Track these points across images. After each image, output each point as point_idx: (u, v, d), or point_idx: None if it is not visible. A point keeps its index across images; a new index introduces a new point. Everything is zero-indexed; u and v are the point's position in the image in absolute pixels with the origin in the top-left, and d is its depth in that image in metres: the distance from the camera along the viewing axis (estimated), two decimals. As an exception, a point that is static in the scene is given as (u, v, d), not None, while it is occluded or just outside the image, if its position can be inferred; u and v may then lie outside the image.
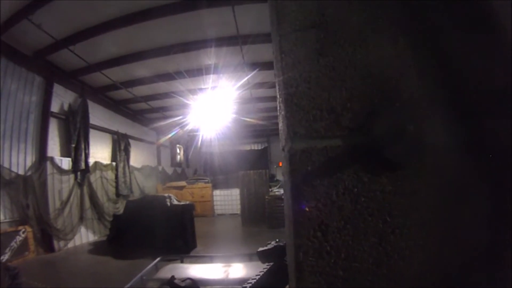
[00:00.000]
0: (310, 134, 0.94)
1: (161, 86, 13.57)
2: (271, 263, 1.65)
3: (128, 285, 3.63)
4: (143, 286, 3.81)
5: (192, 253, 9.09)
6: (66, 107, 12.17)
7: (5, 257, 8.52)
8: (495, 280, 0.86)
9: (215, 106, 14.62)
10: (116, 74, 12.18)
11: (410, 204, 0.89)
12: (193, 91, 13.87)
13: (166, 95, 14.58)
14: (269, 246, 1.68)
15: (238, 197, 16.56)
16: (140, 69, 11.87)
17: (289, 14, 1.01)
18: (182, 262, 4.68)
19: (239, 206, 16.40)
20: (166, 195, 11.07)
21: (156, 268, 4.22)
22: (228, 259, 4.45)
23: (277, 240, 1.65)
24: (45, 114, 10.98)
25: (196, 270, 3.92)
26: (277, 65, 1.02)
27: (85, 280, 7.84)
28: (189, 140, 24.55)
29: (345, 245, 0.89)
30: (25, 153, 10.16)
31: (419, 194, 0.89)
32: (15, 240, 9.04)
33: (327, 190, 0.90)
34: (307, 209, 0.91)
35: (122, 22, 8.89)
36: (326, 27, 0.98)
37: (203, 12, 8.52)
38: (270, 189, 15.50)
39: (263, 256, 1.70)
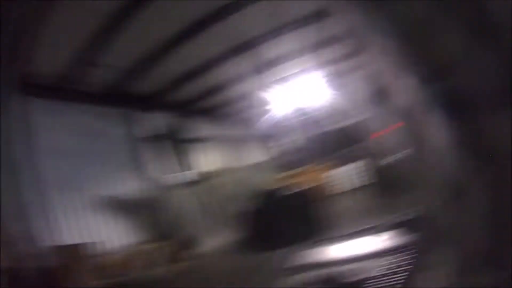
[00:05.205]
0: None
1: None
2: None
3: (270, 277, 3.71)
4: (283, 275, 3.88)
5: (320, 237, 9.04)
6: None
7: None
8: (495, 280, 0.97)
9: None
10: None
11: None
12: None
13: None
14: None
15: (358, 170, 15.55)
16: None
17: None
18: (313, 247, 4.67)
19: (359, 180, 15.40)
20: (284, 184, 11.12)
21: (291, 256, 4.27)
22: (357, 235, 4.33)
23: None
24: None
25: (328, 252, 3.89)
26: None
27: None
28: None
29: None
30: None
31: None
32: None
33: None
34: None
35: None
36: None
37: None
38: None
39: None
